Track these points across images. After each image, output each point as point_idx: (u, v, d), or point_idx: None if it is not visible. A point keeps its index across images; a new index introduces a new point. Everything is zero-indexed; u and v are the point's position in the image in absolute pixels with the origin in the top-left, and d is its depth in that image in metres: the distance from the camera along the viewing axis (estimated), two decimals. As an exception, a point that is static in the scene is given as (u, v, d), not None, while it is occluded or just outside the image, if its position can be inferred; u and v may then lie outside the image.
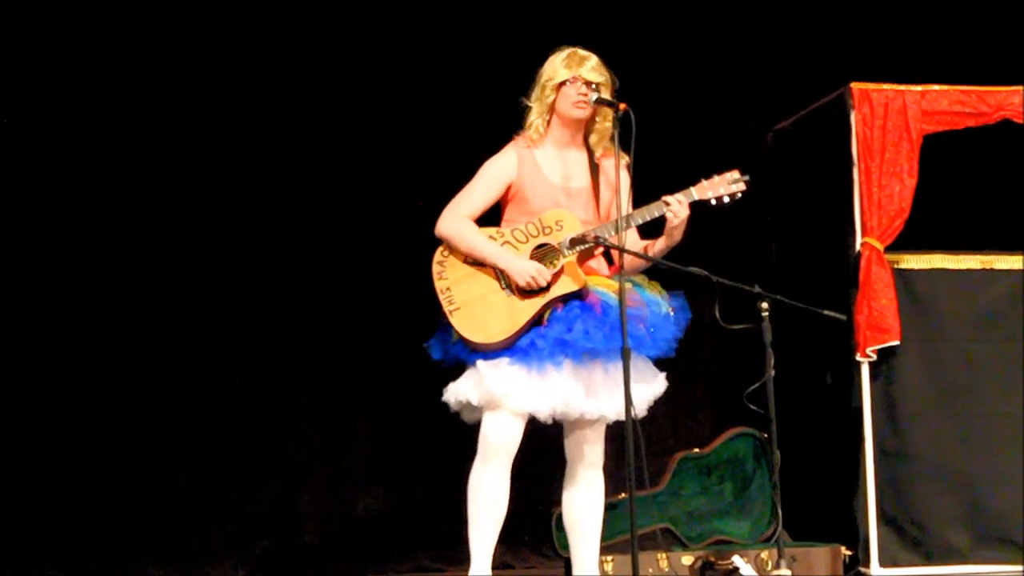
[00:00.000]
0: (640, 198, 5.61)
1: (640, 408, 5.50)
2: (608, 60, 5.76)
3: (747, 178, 5.73)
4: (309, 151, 7.85)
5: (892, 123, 7.19)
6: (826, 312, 5.96)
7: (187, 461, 7.58)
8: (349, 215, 7.81)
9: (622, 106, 5.50)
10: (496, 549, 5.70)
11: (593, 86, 5.69)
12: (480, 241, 5.66)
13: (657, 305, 5.64)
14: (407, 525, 7.82)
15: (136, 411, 7.51)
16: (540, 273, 5.58)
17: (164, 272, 7.63)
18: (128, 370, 7.54)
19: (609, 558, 6.77)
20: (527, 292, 5.60)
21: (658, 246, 5.75)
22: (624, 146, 5.50)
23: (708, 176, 5.71)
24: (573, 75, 5.70)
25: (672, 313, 5.67)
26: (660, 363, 5.70)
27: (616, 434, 5.69)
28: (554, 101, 5.75)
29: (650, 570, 6.86)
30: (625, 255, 5.47)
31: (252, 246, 7.74)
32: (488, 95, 5.86)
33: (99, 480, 7.44)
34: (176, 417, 7.56)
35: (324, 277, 7.82)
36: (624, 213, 5.52)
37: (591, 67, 5.72)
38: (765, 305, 5.71)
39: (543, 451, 5.94)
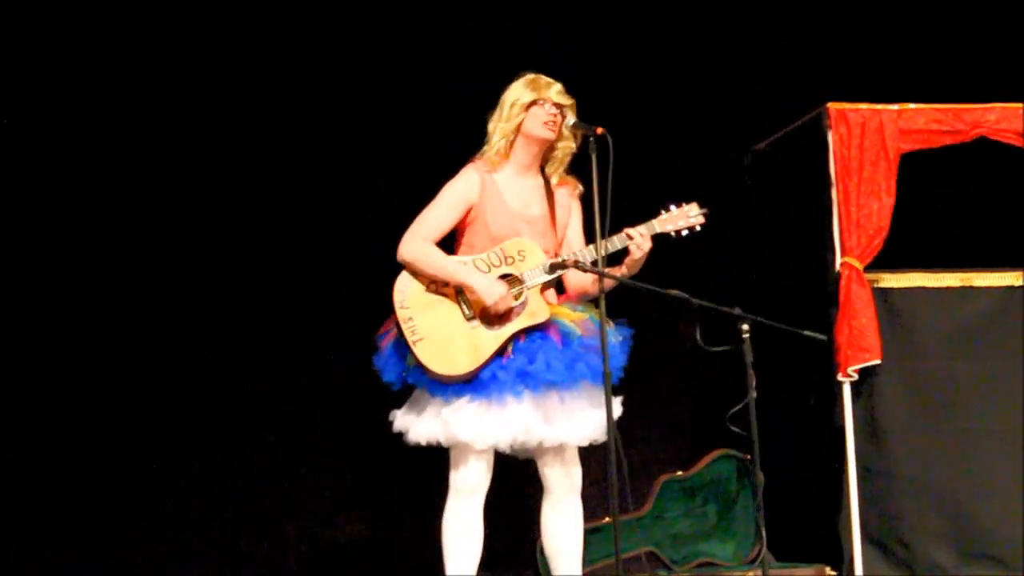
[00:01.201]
0: (614, 222, 5.58)
1: (597, 434, 5.52)
2: (584, 82, 5.79)
3: (706, 211, 5.77)
4: (309, 151, 7.82)
5: (869, 142, 7.20)
6: (806, 332, 5.96)
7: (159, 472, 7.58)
8: (351, 216, 7.77)
9: (599, 130, 5.49)
10: (477, 576, 5.71)
11: (561, 109, 5.71)
12: (447, 262, 5.65)
13: (608, 334, 5.60)
14: (390, 552, 7.80)
15: (124, 419, 7.51)
16: (505, 299, 5.58)
17: (164, 272, 7.62)
18: (125, 371, 7.52)
19: (594, 583, 6.77)
20: (491, 321, 5.59)
21: (622, 273, 5.74)
22: (602, 170, 5.45)
23: (667, 208, 5.73)
24: (542, 96, 5.72)
25: (620, 341, 5.68)
26: (638, 385, 5.70)
27: (599, 458, 5.69)
28: (521, 122, 5.75)
29: (635, 594, 6.86)
30: (597, 281, 5.47)
31: (253, 246, 7.73)
32: (489, 94, 5.85)
33: (91, 482, 7.43)
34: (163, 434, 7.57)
35: (325, 278, 7.81)
36: (600, 238, 5.47)
37: (558, 91, 5.75)
38: (746, 327, 5.71)
39: (526, 478, 5.93)
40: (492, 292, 5.58)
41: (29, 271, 7.41)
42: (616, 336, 5.67)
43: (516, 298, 5.62)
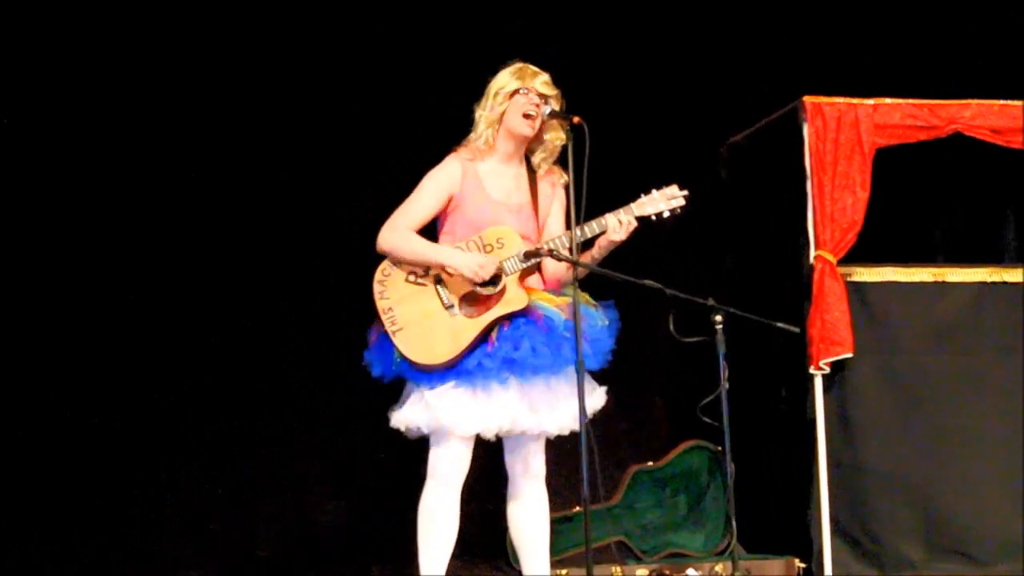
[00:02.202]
0: (591, 212, 5.58)
1: (577, 423, 5.49)
2: (559, 74, 5.77)
3: (686, 193, 5.73)
4: (310, 149, 7.83)
5: (845, 136, 7.22)
6: (779, 324, 5.96)
7: (153, 472, 7.56)
8: (352, 218, 7.75)
9: (575, 119, 5.48)
10: (450, 564, 5.69)
11: (545, 99, 5.69)
12: (425, 246, 5.65)
13: (594, 318, 5.63)
14: (360, 537, 7.80)
15: (116, 424, 7.49)
16: (483, 266, 5.57)
17: (159, 273, 7.62)
18: (116, 376, 7.51)
19: (563, 572, 6.76)
20: (472, 304, 5.59)
21: (595, 254, 5.70)
22: (577, 159, 5.44)
23: (647, 191, 5.71)
24: (526, 86, 5.71)
25: (607, 325, 5.67)
26: (610, 375, 5.70)
27: (570, 447, 5.69)
28: (504, 112, 5.73)
29: (605, 583, 6.86)
30: (571, 269, 5.48)
31: (252, 246, 7.74)
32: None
33: (79, 487, 7.42)
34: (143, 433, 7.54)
35: (315, 272, 7.82)
36: (574, 225, 5.46)
37: (543, 81, 5.73)
38: (719, 318, 5.70)
39: (496, 466, 5.93)
40: (470, 263, 5.57)
41: (27, 272, 7.42)
42: (602, 319, 5.67)
43: (494, 285, 5.62)
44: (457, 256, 5.61)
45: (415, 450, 5.75)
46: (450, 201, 5.75)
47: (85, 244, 7.51)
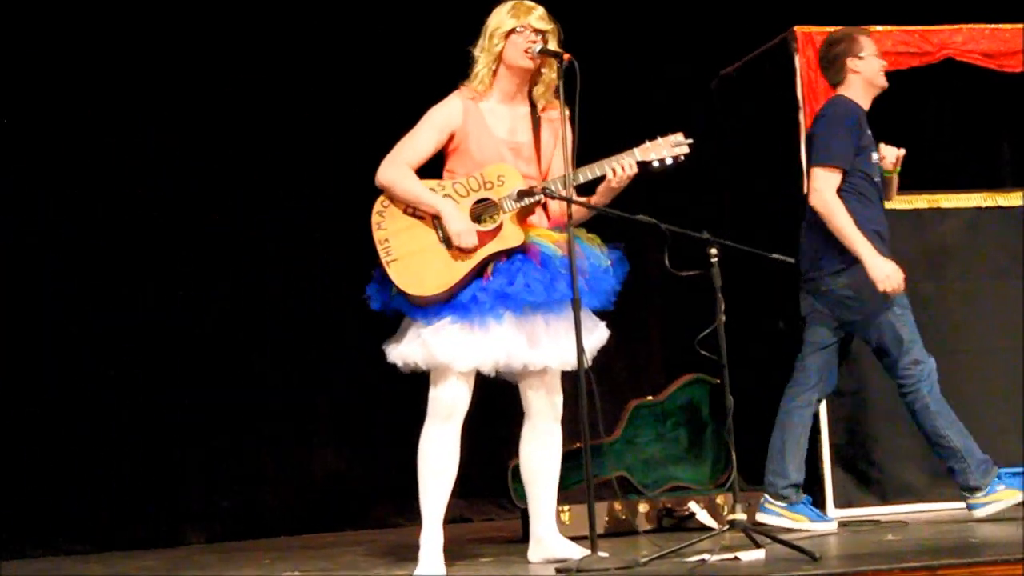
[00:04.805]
0: (585, 149, 5.58)
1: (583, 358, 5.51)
2: (550, 9, 5.75)
3: (691, 141, 5.73)
4: (299, 146, 7.94)
5: (836, 65, 7.20)
6: (774, 256, 5.97)
7: (153, 428, 7.58)
8: (355, 157, 7.76)
9: (566, 56, 5.51)
10: (453, 503, 5.73)
11: (542, 35, 5.68)
12: (419, 189, 5.66)
13: (596, 257, 5.66)
14: (365, 481, 7.83)
15: (115, 391, 7.53)
16: (464, 235, 5.57)
17: (168, 225, 7.74)
18: (113, 351, 7.59)
19: (566, 508, 6.79)
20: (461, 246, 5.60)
21: (597, 200, 5.74)
22: (569, 97, 5.47)
23: (652, 137, 5.70)
24: (521, 23, 5.69)
25: (611, 266, 5.67)
26: (610, 313, 5.71)
27: (569, 384, 5.71)
28: (502, 50, 5.73)
29: (607, 518, 6.88)
30: (571, 208, 5.48)
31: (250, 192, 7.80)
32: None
33: (75, 453, 7.51)
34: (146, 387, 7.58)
35: (287, 248, 7.84)
36: (569, 166, 5.52)
37: (538, 16, 5.72)
38: (714, 251, 5.70)
39: (499, 402, 5.95)
40: (456, 226, 5.58)
41: (26, 271, 7.51)
42: (605, 260, 5.68)
43: (492, 222, 5.62)
44: (448, 209, 5.61)
45: (414, 392, 5.76)
46: (452, 138, 5.75)
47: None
